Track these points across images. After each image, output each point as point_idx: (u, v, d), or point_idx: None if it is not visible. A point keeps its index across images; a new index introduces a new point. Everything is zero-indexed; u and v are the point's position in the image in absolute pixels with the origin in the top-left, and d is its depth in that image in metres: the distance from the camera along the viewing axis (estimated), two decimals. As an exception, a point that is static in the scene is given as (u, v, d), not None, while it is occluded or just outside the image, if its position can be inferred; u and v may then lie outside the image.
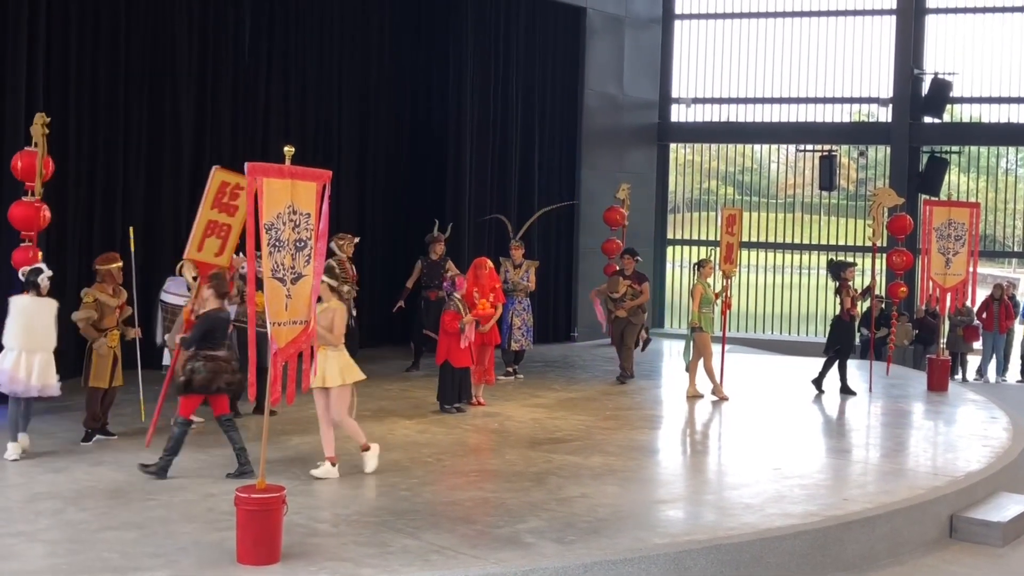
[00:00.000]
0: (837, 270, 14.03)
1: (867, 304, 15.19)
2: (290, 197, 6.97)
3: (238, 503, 6.76)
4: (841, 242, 22.08)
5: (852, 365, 14.26)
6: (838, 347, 13.73)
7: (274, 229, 6.87)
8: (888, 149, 20.84)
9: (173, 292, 11.71)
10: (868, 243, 21.25)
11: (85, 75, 13.05)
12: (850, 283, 13.87)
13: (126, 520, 7.54)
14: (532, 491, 8.59)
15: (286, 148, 7.10)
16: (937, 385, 14.11)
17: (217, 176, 9.59)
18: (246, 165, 6.83)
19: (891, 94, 20.56)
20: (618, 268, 14.72)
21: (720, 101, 22.08)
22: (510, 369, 14.13)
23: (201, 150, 14.23)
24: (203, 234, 9.56)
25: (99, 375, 9.70)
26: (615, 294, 14.03)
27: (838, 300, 13.84)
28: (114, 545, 6.99)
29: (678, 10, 21.92)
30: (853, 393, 13.55)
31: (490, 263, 12.58)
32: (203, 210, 9.55)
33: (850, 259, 17.59)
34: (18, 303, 9.26)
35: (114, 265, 9.86)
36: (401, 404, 12.11)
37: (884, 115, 20.91)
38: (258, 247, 6.84)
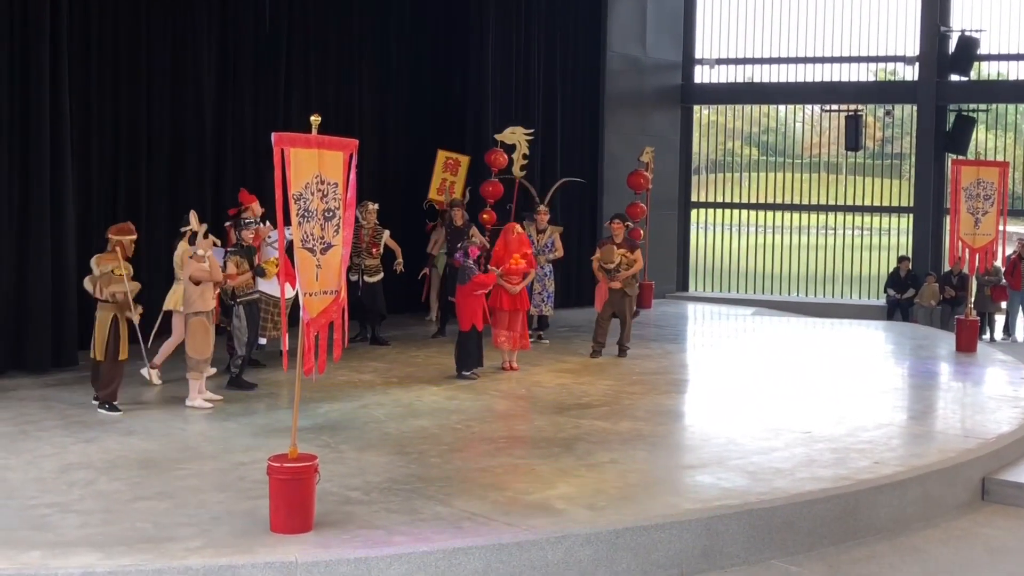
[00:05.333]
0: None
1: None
2: (317, 167, 6.92)
3: (271, 473, 6.77)
4: (867, 202, 21.92)
5: (881, 326, 14.16)
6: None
7: (303, 199, 6.84)
8: (914, 108, 20.62)
9: None
10: (895, 203, 21.34)
11: (106, 56, 13.06)
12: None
13: (158, 490, 7.58)
14: (562, 457, 8.60)
15: (313, 117, 7.03)
16: (965, 346, 14.00)
17: (441, 155, 15.74)
18: (272, 135, 6.78)
19: (917, 52, 20.32)
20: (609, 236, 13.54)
21: (744, 62, 21.89)
22: (538, 334, 14.09)
23: (223, 126, 14.31)
24: (439, 186, 15.69)
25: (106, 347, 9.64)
26: (609, 264, 13.09)
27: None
28: (147, 515, 7.03)
29: (700, -30, 21.70)
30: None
31: (519, 228, 12.54)
32: (436, 172, 15.69)
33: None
34: None
35: (127, 237, 9.79)
36: (428, 371, 12.13)
37: (910, 74, 20.71)
38: (287, 217, 6.81)
